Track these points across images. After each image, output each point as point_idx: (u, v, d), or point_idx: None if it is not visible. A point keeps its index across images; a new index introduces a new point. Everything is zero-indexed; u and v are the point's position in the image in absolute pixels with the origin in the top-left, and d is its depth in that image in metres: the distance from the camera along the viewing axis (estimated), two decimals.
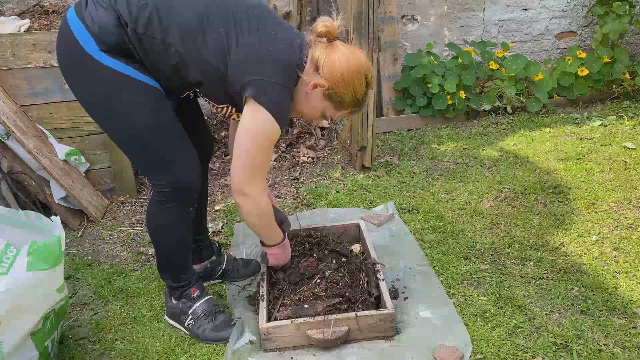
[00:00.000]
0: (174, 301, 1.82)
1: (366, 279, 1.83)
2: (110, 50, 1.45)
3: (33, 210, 2.40)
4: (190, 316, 1.78)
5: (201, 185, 1.92)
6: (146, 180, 1.55)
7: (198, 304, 1.79)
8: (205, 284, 2.00)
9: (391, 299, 1.74)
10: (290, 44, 1.53)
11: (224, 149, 3.37)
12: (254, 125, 1.50)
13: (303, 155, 3.26)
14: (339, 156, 3.27)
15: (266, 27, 1.51)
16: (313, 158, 3.24)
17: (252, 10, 1.52)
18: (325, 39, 1.54)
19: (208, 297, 1.83)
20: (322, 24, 1.52)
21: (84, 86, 1.53)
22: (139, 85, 1.50)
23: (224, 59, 1.48)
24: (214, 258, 2.05)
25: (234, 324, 1.77)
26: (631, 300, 1.81)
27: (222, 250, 2.12)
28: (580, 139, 3.27)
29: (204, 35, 1.47)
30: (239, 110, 1.58)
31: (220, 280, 2.08)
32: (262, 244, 1.84)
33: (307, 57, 1.54)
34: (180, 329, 1.83)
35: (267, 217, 1.69)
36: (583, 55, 3.81)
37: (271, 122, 1.49)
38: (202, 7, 1.48)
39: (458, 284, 1.97)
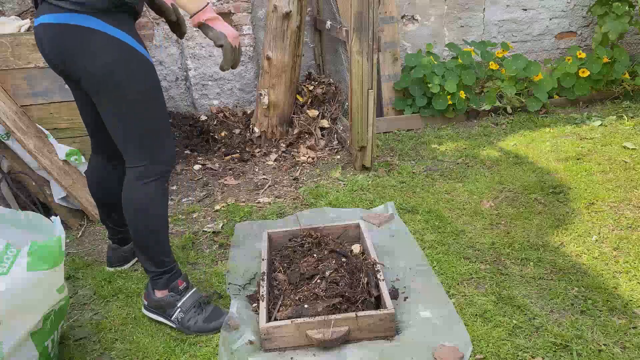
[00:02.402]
0: (158, 295, 1.80)
1: (366, 279, 1.83)
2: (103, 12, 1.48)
3: (33, 210, 2.41)
4: (180, 309, 1.78)
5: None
6: (126, 158, 1.64)
7: (186, 296, 1.80)
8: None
9: (391, 299, 1.74)
10: None
11: (224, 149, 3.37)
12: None
13: (303, 155, 3.27)
14: (339, 156, 3.27)
15: None
16: (313, 158, 3.24)
17: None
18: None
19: (194, 289, 1.85)
20: None
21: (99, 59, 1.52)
22: (143, 58, 1.58)
23: None
24: None
25: (225, 313, 1.79)
26: (631, 300, 1.81)
27: None
28: (580, 139, 3.27)
29: None
30: None
31: None
32: (193, 17, 1.59)
33: None
34: (162, 322, 1.83)
35: None
36: (583, 55, 3.81)
37: None
38: None
39: (458, 284, 1.97)
